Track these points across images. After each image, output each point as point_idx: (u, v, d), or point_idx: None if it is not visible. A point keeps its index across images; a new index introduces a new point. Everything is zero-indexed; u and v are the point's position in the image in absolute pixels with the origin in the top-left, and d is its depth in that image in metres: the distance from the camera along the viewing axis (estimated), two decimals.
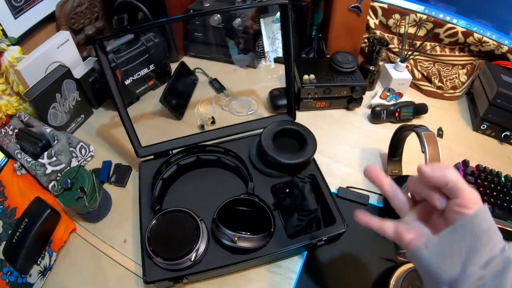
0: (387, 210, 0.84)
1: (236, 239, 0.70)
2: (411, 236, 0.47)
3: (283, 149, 0.85)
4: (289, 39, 0.84)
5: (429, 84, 1.19)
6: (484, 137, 1.08)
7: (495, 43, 1.10)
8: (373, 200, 0.91)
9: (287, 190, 0.84)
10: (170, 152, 0.92)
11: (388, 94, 1.11)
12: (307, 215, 0.78)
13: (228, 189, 0.86)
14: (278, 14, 1.23)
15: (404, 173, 0.94)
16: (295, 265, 0.80)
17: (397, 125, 1.06)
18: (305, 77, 1.05)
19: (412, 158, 0.94)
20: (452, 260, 0.42)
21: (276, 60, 1.28)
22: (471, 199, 0.42)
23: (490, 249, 0.40)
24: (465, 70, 1.19)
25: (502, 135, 1.05)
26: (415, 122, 1.09)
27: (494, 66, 1.10)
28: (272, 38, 1.26)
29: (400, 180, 0.81)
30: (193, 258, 0.70)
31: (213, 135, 0.95)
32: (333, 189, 0.91)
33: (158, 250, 0.71)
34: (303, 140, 0.88)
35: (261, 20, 1.21)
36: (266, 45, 1.24)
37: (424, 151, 0.73)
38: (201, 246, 0.72)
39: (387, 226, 0.51)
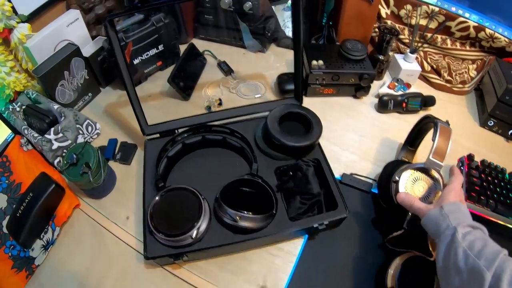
0: (381, 197, 0.84)
1: (238, 218, 0.71)
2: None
3: (288, 132, 0.85)
4: (299, 23, 0.84)
5: (438, 77, 1.18)
6: (491, 133, 1.07)
7: (506, 39, 1.08)
8: (377, 188, 0.90)
9: (291, 173, 0.84)
10: (176, 131, 0.92)
11: (397, 84, 1.10)
12: (309, 199, 0.78)
13: (232, 169, 0.86)
14: (289, 1, 1.22)
15: None
16: (295, 248, 0.80)
17: (403, 116, 1.07)
18: (314, 62, 1.04)
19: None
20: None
21: (286, 46, 1.29)
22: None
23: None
24: (475, 65, 1.17)
25: (509, 133, 1.04)
26: (422, 114, 1.08)
27: (505, 63, 1.08)
28: (282, 26, 1.26)
29: (396, 163, 0.83)
30: (194, 235, 0.70)
31: (219, 116, 0.95)
32: (337, 175, 0.91)
33: (160, 226, 0.71)
34: (309, 124, 0.88)
35: (273, 8, 1.20)
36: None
37: (433, 139, 0.73)
38: (203, 224, 0.72)
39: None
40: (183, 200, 0.75)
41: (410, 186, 0.75)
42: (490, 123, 1.06)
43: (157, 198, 0.75)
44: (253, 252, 0.80)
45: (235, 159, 0.90)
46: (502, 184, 0.90)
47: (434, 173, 0.76)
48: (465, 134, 1.06)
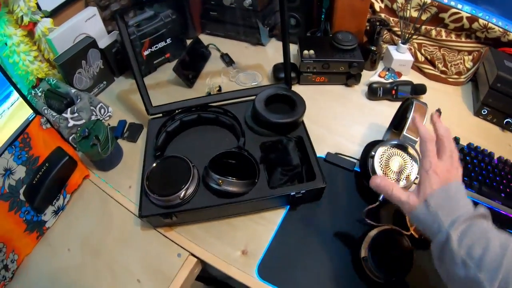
0: (362, 174, 0.89)
1: (220, 181, 0.78)
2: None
3: (274, 111, 0.92)
4: (284, 17, 0.93)
5: (432, 68, 1.20)
6: (486, 123, 1.08)
7: (501, 29, 1.09)
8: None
9: (273, 145, 0.91)
10: (177, 111, 1.01)
11: (387, 73, 1.14)
12: (290, 170, 0.84)
13: (222, 143, 0.94)
14: None
15: None
16: (277, 217, 0.86)
17: (393, 103, 1.11)
18: (305, 52, 1.11)
19: None
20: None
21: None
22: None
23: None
24: (471, 57, 1.18)
25: (504, 122, 1.04)
26: None
27: (498, 52, 1.09)
28: None
29: (376, 142, 0.87)
30: (182, 196, 0.79)
31: (216, 99, 1.03)
32: (323, 154, 0.97)
33: (154, 188, 0.80)
34: (294, 105, 0.95)
35: None
36: None
37: (407, 116, 0.77)
38: (191, 187, 0.81)
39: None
40: (176, 167, 0.84)
41: (385, 161, 0.79)
42: (484, 111, 1.06)
43: (154, 164, 0.85)
44: (238, 219, 0.86)
45: (226, 135, 0.98)
46: (489, 167, 0.92)
47: (410, 149, 0.79)
48: (458, 123, 1.06)
